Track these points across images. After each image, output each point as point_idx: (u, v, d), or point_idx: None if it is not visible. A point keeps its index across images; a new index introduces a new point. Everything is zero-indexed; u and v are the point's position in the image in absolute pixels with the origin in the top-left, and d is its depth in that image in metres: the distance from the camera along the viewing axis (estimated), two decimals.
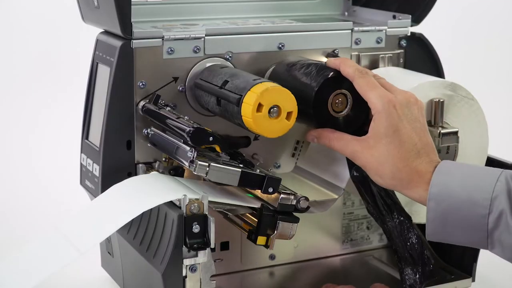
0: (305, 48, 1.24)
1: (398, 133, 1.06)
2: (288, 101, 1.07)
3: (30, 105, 2.08)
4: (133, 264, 1.16)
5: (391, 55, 1.30)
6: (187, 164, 1.06)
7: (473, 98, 1.20)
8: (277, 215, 1.08)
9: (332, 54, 1.25)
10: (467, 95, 1.20)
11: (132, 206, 1.06)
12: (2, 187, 1.71)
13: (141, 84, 1.16)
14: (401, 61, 1.31)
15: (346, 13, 1.41)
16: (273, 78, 1.19)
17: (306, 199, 1.09)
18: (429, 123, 1.18)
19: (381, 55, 1.29)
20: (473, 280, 1.28)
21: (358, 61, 1.28)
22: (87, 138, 1.23)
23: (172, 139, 1.10)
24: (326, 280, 1.25)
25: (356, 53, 1.28)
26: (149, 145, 1.16)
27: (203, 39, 1.18)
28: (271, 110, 1.06)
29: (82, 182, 1.25)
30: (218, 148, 1.09)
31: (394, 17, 1.31)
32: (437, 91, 1.18)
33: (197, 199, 1.02)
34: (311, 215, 1.16)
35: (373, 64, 1.29)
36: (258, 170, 1.10)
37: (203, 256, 1.03)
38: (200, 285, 1.06)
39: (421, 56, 1.31)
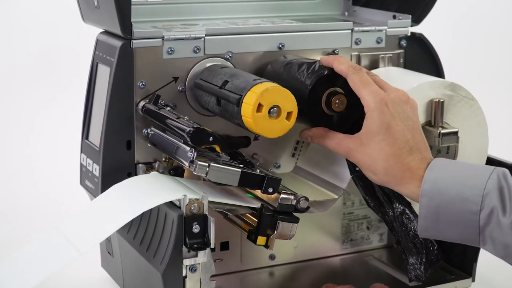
0: (305, 48, 1.24)
1: (391, 130, 1.06)
2: (288, 101, 1.07)
3: (30, 105, 2.08)
4: (133, 264, 1.16)
5: (391, 55, 1.30)
6: (187, 164, 1.06)
7: (473, 98, 1.20)
8: (277, 215, 1.08)
9: (332, 54, 1.25)
10: (467, 95, 1.20)
11: (132, 206, 1.06)
12: (2, 187, 1.71)
13: (141, 84, 1.16)
14: (401, 61, 1.31)
15: (346, 13, 1.41)
16: (268, 76, 1.19)
17: (306, 199, 1.09)
18: (429, 123, 1.18)
19: (381, 55, 1.29)
20: (473, 280, 1.28)
21: (358, 61, 1.28)
22: (87, 138, 1.23)
23: (172, 139, 1.10)
24: (326, 280, 1.25)
25: (356, 53, 1.28)
26: (149, 145, 1.16)
27: (203, 39, 1.18)
28: (271, 110, 1.06)
29: (82, 182, 1.25)
30: (218, 148, 1.09)
31: (394, 17, 1.31)
32: (437, 91, 1.18)
33: (197, 199, 1.02)
34: (311, 215, 1.16)
35: (373, 64, 1.29)
36: (258, 170, 1.10)
37: (203, 256, 1.03)
38: (200, 285, 1.06)
39: (421, 56, 1.31)
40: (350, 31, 1.27)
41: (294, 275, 1.29)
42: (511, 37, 2.40)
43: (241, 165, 1.09)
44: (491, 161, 1.24)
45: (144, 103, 1.15)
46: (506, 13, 2.42)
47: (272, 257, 1.30)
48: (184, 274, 1.04)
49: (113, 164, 1.16)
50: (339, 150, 1.11)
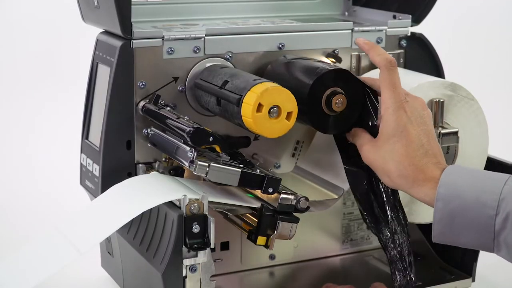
0: (305, 48, 1.24)
1: (406, 133, 1.06)
2: (288, 101, 1.07)
3: (30, 105, 2.08)
4: (133, 264, 1.16)
5: (391, 55, 1.29)
6: (187, 164, 1.06)
7: (473, 98, 1.20)
8: (277, 215, 1.08)
9: (332, 54, 1.25)
10: (467, 95, 1.20)
11: (132, 206, 1.06)
12: (2, 187, 1.71)
13: (141, 84, 1.16)
14: (401, 61, 1.31)
15: (346, 13, 1.41)
16: (268, 76, 1.19)
17: (306, 199, 1.09)
18: None
19: None
20: (473, 280, 1.28)
21: (358, 61, 1.28)
22: (87, 138, 1.23)
23: (172, 139, 1.10)
24: (326, 280, 1.25)
25: (356, 53, 1.28)
26: (149, 145, 1.16)
27: (203, 39, 1.18)
28: (271, 110, 1.06)
29: (82, 182, 1.25)
30: (218, 148, 1.09)
31: (394, 17, 1.31)
32: (437, 91, 1.18)
33: (197, 199, 1.02)
34: (311, 215, 1.16)
35: (373, 64, 1.28)
36: (258, 170, 1.10)
37: (203, 256, 1.03)
38: (200, 285, 1.06)
39: (421, 56, 1.31)
40: (350, 31, 1.27)
41: (294, 275, 1.29)
42: (511, 37, 2.40)
43: (241, 165, 1.09)
44: (491, 161, 1.24)
45: (144, 103, 1.15)
46: (506, 13, 2.42)
47: (272, 257, 1.30)
48: (184, 274, 1.04)
49: (113, 164, 1.16)
50: (360, 151, 1.11)
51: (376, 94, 1.12)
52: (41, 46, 2.19)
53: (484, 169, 1.23)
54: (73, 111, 1.63)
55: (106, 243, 1.26)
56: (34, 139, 1.95)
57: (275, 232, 1.08)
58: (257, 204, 1.10)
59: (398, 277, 1.15)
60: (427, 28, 1.33)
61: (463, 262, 1.28)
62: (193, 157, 1.05)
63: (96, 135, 1.19)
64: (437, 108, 1.17)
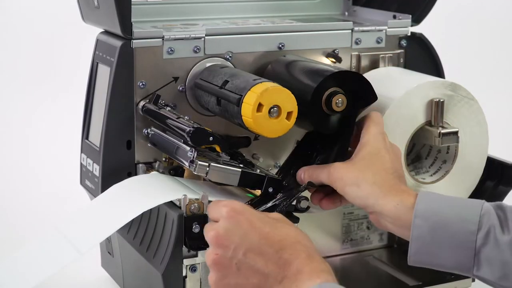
0: (305, 48, 1.24)
1: (383, 155, 1.07)
2: (288, 101, 1.07)
3: (30, 105, 2.08)
4: (133, 264, 1.16)
5: (391, 55, 1.30)
6: (187, 164, 1.06)
7: (473, 98, 1.20)
8: None
9: (332, 54, 1.25)
10: (467, 95, 1.20)
11: (132, 206, 1.06)
12: (2, 187, 1.71)
13: (141, 84, 1.16)
14: (401, 61, 1.31)
15: (346, 13, 1.41)
16: (268, 76, 1.19)
17: (306, 199, 1.09)
18: (429, 123, 1.18)
19: (381, 55, 1.29)
20: (473, 280, 1.28)
21: (358, 61, 1.28)
22: (87, 138, 1.23)
23: (172, 139, 1.10)
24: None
25: (356, 53, 1.28)
26: (149, 145, 1.16)
27: (203, 39, 1.18)
28: (271, 110, 1.06)
29: (82, 182, 1.25)
30: (218, 148, 1.09)
31: (394, 17, 1.31)
32: (437, 91, 1.18)
33: (197, 199, 1.02)
34: (311, 215, 1.16)
35: (373, 64, 1.29)
36: (258, 170, 1.10)
37: (203, 256, 1.03)
38: (200, 285, 1.06)
39: (421, 56, 1.31)
40: (350, 31, 1.27)
41: None
42: (511, 37, 2.40)
43: (241, 165, 1.09)
44: (491, 161, 1.24)
45: (144, 103, 1.15)
46: (506, 13, 2.42)
47: None
48: (184, 274, 1.04)
49: (113, 164, 1.16)
50: (329, 170, 1.08)
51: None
52: (41, 46, 2.19)
53: (484, 169, 1.23)
54: (73, 111, 1.63)
55: (106, 243, 1.26)
56: (34, 139, 1.95)
57: None
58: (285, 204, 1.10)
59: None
60: (427, 28, 1.33)
61: None
62: (193, 157, 1.05)
63: (96, 135, 1.19)
64: (437, 108, 1.17)
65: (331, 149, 1.13)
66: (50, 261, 1.05)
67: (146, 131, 1.16)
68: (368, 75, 1.25)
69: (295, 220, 1.09)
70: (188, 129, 1.06)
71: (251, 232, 0.92)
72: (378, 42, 1.29)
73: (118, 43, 1.15)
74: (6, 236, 1.46)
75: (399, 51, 1.31)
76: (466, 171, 1.22)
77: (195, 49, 1.18)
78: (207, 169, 1.05)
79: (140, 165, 1.17)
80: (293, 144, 1.25)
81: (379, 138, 1.09)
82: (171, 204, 1.04)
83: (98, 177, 1.17)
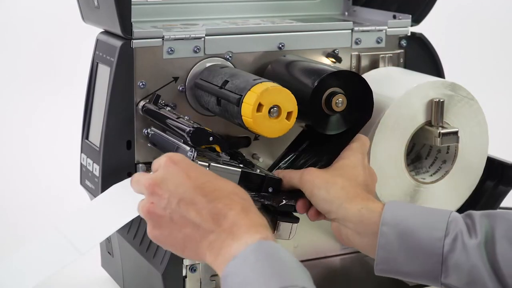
0: (305, 48, 1.24)
1: (359, 169, 1.07)
2: (288, 101, 1.07)
3: (30, 105, 2.08)
4: (133, 264, 1.16)
5: (391, 55, 1.30)
6: None
7: (473, 98, 1.20)
8: (277, 215, 1.08)
9: (332, 54, 1.25)
10: (467, 95, 1.20)
11: (132, 206, 1.06)
12: (2, 187, 1.71)
13: (141, 84, 1.16)
14: (401, 61, 1.31)
15: (346, 13, 1.41)
16: (268, 76, 1.19)
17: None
18: (429, 123, 1.18)
19: (381, 55, 1.29)
20: None
21: (358, 61, 1.28)
22: (87, 138, 1.23)
23: (172, 139, 1.10)
24: (326, 280, 1.24)
25: (356, 53, 1.28)
26: (149, 145, 1.16)
27: (203, 39, 1.18)
28: (271, 110, 1.06)
29: (82, 182, 1.25)
30: (218, 148, 1.09)
31: (394, 17, 1.31)
32: (437, 91, 1.18)
33: None
34: None
35: (373, 64, 1.29)
36: (258, 170, 1.10)
37: None
38: (200, 285, 1.06)
39: (421, 56, 1.31)
40: (350, 31, 1.27)
41: None
42: (511, 38, 2.40)
43: (241, 165, 1.09)
44: (491, 161, 1.24)
45: (144, 103, 1.15)
46: (506, 13, 2.42)
47: None
48: (184, 274, 1.04)
49: (113, 164, 1.16)
50: (303, 172, 1.07)
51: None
52: (41, 46, 2.18)
53: (484, 169, 1.23)
54: (73, 111, 1.63)
55: (106, 243, 1.26)
56: (34, 139, 1.95)
57: (275, 232, 1.07)
58: (257, 204, 1.09)
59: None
60: (427, 28, 1.33)
61: None
62: (193, 157, 1.05)
63: (96, 135, 1.19)
64: (437, 108, 1.17)
65: (318, 158, 1.13)
66: (50, 261, 1.05)
67: (146, 131, 1.16)
68: (368, 75, 1.26)
69: (295, 220, 1.09)
70: (188, 129, 1.06)
71: (186, 182, 0.90)
72: (378, 42, 1.29)
73: (118, 43, 1.15)
74: (6, 236, 1.46)
75: (399, 51, 1.31)
76: (466, 171, 1.22)
77: (195, 49, 1.18)
78: (207, 169, 1.05)
79: (140, 165, 1.17)
80: None
81: (358, 156, 1.08)
82: None
83: (98, 177, 1.17)
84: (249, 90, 1.06)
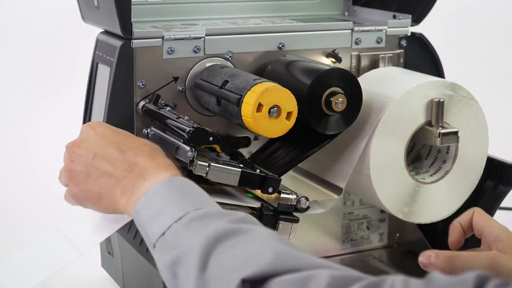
0: (305, 48, 1.24)
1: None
2: (288, 101, 1.07)
3: (30, 105, 2.08)
4: (133, 264, 1.16)
5: (391, 55, 1.30)
6: (187, 164, 1.06)
7: (473, 98, 1.20)
8: (277, 215, 1.08)
9: (332, 54, 1.25)
10: (467, 95, 1.20)
11: None
12: (2, 187, 1.71)
13: (141, 84, 1.16)
14: (401, 61, 1.31)
15: (346, 13, 1.41)
16: (268, 76, 1.19)
17: (306, 199, 1.09)
18: (429, 123, 1.18)
19: (381, 55, 1.29)
20: None
21: (358, 61, 1.28)
22: None
23: (172, 139, 1.10)
24: None
25: (356, 53, 1.28)
26: None
27: (203, 39, 1.18)
28: (271, 110, 1.06)
29: None
30: (218, 148, 1.09)
31: (394, 17, 1.31)
32: (437, 91, 1.18)
33: None
34: (311, 215, 1.16)
35: (373, 64, 1.29)
36: (258, 170, 1.10)
37: None
38: None
39: (421, 56, 1.31)
40: (350, 31, 1.27)
41: None
42: (511, 37, 2.40)
43: (241, 165, 1.09)
44: (491, 161, 1.24)
45: (144, 103, 1.15)
46: (506, 13, 2.42)
47: None
48: None
49: None
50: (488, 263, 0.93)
51: None
52: (41, 46, 2.19)
53: (484, 169, 1.23)
54: (73, 111, 1.62)
55: (106, 243, 1.26)
56: (34, 139, 1.95)
57: (275, 232, 1.07)
58: (257, 204, 1.10)
59: None
60: (427, 28, 1.33)
61: None
62: (193, 157, 1.05)
63: None
64: (437, 108, 1.17)
65: (297, 151, 1.14)
66: (50, 261, 1.05)
67: (146, 131, 1.16)
68: (368, 75, 1.26)
69: (295, 220, 1.09)
70: (188, 129, 1.06)
71: (101, 140, 1.01)
72: (378, 42, 1.29)
73: (118, 43, 1.15)
74: (6, 236, 1.46)
75: (399, 51, 1.31)
76: (466, 171, 1.22)
77: (195, 49, 1.18)
78: (207, 169, 1.05)
79: None
80: None
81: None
82: None
83: None
84: (249, 90, 1.06)
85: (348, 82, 1.12)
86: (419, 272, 1.20)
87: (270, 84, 1.07)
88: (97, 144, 1.01)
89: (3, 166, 1.82)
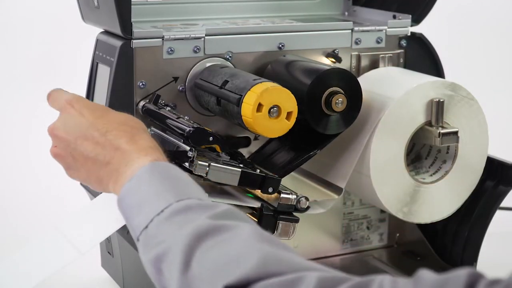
0: (305, 48, 1.24)
1: None
2: (288, 101, 1.07)
3: (30, 105, 2.08)
4: (133, 264, 1.16)
5: (391, 55, 1.30)
6: (187, 164, 1.06)
7: (473, 98, 1.20)
8: (277, 215, 1.08)
9: (332, 54, 1.26)
10: (467, 95, 1.20)
11: None
12: (2, 187, 1.71)
13: (141, 84, 1.16)
14: (401, 61, 1.31)
15: (346, 13, 1.41)
16: (268, 76, 1.19)
17: (306, 199, 1.09)
18: (429, 123, 1.18)
19: (381, 55, 1.29)
20: None
21: (358, 61, 1.28)
22: None
23: (172, 139, 1.10)
24: None
25: (356, 53, 1.28)
26: None
27: (203, 39, 1.18)
28: (271, 110, 1.06)
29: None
30: (218, 148, 1.09)
31: (394, 17, 1.31)
32: (437, 91, 1.18)
33: None
34: (311, 215, 1.16)
35: (373, 64, 1.29)
36: (258, 170, 1.10)
37: None
38: None
39: (421, 56, 1.31)
40: (350, 31, 1.27)
41: None
42: (511, 37, 2.40)
43: (241, 165, 1.09)
44: (491, 161, 1.24)
45: (144, 103, 1.15)
46: (506, 13, 2.41)
47: None
48: None
49: None
50: None
51: None
52: (41, 46, 2.18)
53: (484, 169, 1.23)
54: None
55: (106, 243, 1.26)
56: (34, 139, 1.95)
57: (275, 232, 1.08)
58: (257, 204, 1.10)
59: None
60: (427, 28, 1.33)
61: (463, 262, 1.28)
62: (193, 157, 1.05)
63: None
64: (437, 108, 1.17)
65: (297, 151, 1.14)
66: (50, 261, 1.05)
67: None
68: (368, 75, 1.26)
69: (295, 220, 1.09)
70: (188, 129, 1.06)
71: (80, 121, 0.97)
72: (378, 42, 1.29)
73: (118, 43, 1.15)
74: (6, 236, 1.46)
75: (399, 51, 1.31)
76: (466, 171, 1.22)
77: (195, 49, 1.18)
78: (207, 169, 1.05)
79: None
80: None
81: None
82: None
83: None
84: (249, 90, 1.06)
85: (348, 82, 1.13)
86: None
87: (270, 84, 1.07)
88: (78, 127, 0.97)
89: (3, 166, 1.82)
